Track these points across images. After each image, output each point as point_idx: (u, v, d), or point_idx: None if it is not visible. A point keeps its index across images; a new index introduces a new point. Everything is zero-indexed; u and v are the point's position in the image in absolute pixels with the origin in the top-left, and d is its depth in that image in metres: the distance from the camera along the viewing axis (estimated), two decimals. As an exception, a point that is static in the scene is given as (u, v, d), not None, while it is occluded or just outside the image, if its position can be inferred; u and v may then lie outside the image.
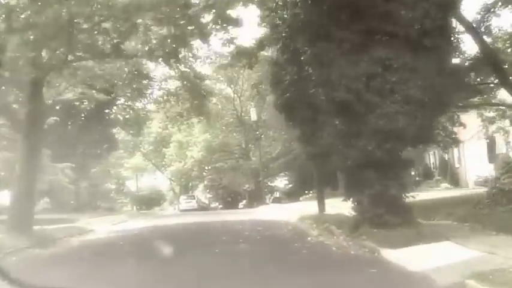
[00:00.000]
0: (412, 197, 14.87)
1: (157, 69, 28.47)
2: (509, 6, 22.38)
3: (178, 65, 22.06)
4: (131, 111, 35.63)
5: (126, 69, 24.29)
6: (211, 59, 23.48)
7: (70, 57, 17.70)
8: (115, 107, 36.40)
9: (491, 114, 30.54)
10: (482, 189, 33.31)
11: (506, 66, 22.71)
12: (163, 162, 75.88)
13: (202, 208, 61.64)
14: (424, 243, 12.37)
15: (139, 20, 17.14)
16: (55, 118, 30.58)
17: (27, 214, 19.72)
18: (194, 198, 65.40)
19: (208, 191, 71.40)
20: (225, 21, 17.23)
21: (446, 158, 48.64)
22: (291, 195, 60.16)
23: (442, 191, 38.92)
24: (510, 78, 22.04)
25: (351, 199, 15.12)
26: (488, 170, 40.94)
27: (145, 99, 31.21)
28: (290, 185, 67.07)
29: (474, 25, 22.05)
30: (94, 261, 13.91)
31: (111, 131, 42.94)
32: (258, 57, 18.90)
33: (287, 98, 14.86)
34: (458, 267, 9.54)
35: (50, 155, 30.63)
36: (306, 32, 13.82)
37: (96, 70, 21.89)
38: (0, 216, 22.14)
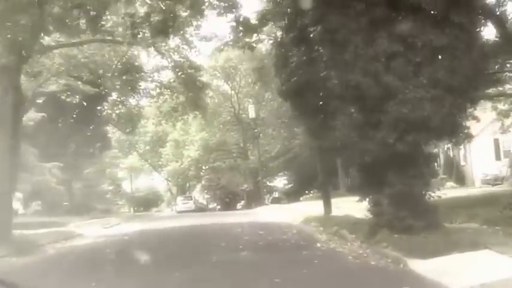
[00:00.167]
0: (439, 196, 12.86)
1: (150, 62, 26.28)
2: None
3: (170, 51, 19.95)
4: (123, 108, 33.34)
5: (114, 59, 22.13)
6: (205, 39, 21.37)
7: (47, 42, 15.54)
8: (106, 104, 33.91)
9: (505, 107, 28.49)
10: (493, 188, 31.83)
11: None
12: (160, 162, 74.01)
13: (200, 209, 60.22)
14: (459, 252, 10.35)
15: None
16: (42, 114, 28.44)
17: (4, 218, 17.64)
18: (191, 199, 64.12)
19: (206, 191, 69.70)
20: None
21: (451, 156, 46.71)
22: (291, 195, 58.94)
23: (448, 190, 37.13)
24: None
25: (367, 199, 13.05)
26: (496, 168, 39.36)
27: (138, 94, 28.99)
28: (290, 185, 65.60)
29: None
30: (70, 273, 11.87)
31: (104, 129, 40.87)
32: (260, 33, 16.81)
33: (294, 83, 12.74)
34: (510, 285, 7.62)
35: (37, 154, 28.56)
36: (316, 5, 11.75)
37: (79, 58, 19.75)
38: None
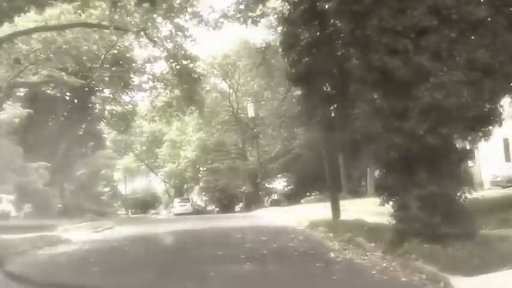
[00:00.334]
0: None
1: (142, 54, 24.16)
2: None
3: (164, 40, 17.86)
4: (116, 105, 31.21)
5: (103, 49, 20.05)
6: (201, 17, 19.16)
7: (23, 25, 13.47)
8: (99, 101, 31.69)
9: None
10: (505, 190, 29.94)
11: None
12: (156, 163, 72.02)
13: (198, 212, 58.78)
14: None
15: None
16: (28, 110, 26.33)
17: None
18: (189, 201, 62.67)
19: (204, 193, 68.03)
20: None
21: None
22: (291, 197, 57.42)
23: None
24: None
25: (392, 203, 11.04)
26: (507, 169, 37.44)
27: (129, 88, 26.84)
28: (289, 187, 63.74)
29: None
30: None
31: (97, 128, 38.76)
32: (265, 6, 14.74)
33: (304, 65, 10.76)
34: None
35: (22, 153, 26.48)
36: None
37: (60, 43, 17.68)
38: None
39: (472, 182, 11.43)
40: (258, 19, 15.72)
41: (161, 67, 24.36)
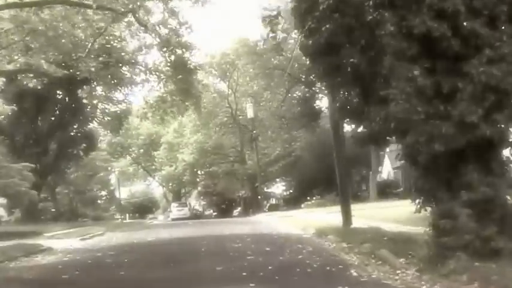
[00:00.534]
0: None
1: (133, 43, 21.74)
2: None
3: (156, 26, 15.55)
4: (107, 102, 28.82)
5: (90, 38, 17.68)
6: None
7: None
8: (85, 94, 29.20)
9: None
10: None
11: None
12: (153, 167, 69.69)
13: (196, 216, 56.97)
14: None
15: None
16: (12, 107, 23.91)
17: None
18: (186, 206, 61.16)
19: (202, 197, 66.27)
20: None
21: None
22: (290, 201, 55.29)
23: None
24: None
25: (432, 209, 8.71)
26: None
27: (119, 83, 24.42)
28: (289, 191, 61.64)
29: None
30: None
31: (89, 128, 36.34)
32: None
33: (325, 34, 8.39)
34: None
35: (5, 154, 24.13)
36: None
37: (35, 22, 15.32)
38: None
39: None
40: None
41: (154, 58, 22.09)
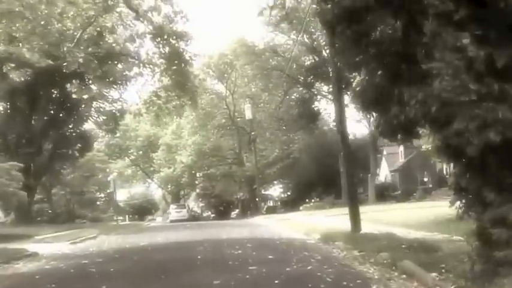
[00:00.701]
0: None
1: (125, 34, 19.81)
2: None
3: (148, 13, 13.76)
4: (102, 100, 26.95)
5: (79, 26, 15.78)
6: None
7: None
8: (74, 89, 27.31)
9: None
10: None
11: None
12: (152, 168, 67.96)
13: (194, 218, 55.40)
14: None
15: None
16: (4, 105, 22.03)
17: None
18: (185, 208, 59.68)
19: (200, 199, 64.95)
20: None
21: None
22: (288, 204, 54.05)
23: None
24: None
25: (478, 214, 6.90)
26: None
27: (110, 77, 22.56)
28: (287, 193, 60.23)
29: None
30: None
31: (84, 128, 34.53)
32: None
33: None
34: None
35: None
36: None
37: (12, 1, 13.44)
38: None
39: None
40: None
41: (147, 50, 20.13)
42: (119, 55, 20.93)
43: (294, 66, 43.70)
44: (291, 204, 52.18)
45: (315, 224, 23.21)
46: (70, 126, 33.16)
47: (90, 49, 18.64)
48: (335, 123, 49.36)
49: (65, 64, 18.61)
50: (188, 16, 17.43)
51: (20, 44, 18.06)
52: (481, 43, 5.93)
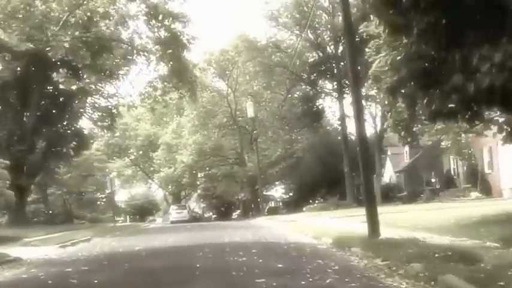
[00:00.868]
0: None
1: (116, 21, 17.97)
2: None
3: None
4: (98, 95, 25.19)
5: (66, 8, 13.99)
6: None
7: None
8: (61, 78, 25.52)
9: None
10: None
11: None
12: (152, 168, 66.43)
13: (195, 219, 54.35)
14: None
15: None
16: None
17: None
18: (185, 208, 58.27)
19: (201, 200, 63.88)
20: None
21: (475, 163, 39.44)
22: (290, 205, 52.71)
23: (477, 202, 30.24)
24: None
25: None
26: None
27: (101, 66, 20.74)
28: (289, 194, 58.92)
29: None
30: None
31: (79, 126, 32.93)
32: None
33: None
34: None
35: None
36: None
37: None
38: None
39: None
40: None
41: (141, 34, 18.29)
42: (109, 40, 19.14)
43: (298, 63, 42.06)
44: (293, 205, 50.85)
45: (323, 226, 21.52)
46: (64, 123, 31.52)
47: (77, 33, 16.88)
48: (339, 122, 48.12)
49: (48, 49, 16.89)
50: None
51: (-1, 26, 16.41)
52: None
